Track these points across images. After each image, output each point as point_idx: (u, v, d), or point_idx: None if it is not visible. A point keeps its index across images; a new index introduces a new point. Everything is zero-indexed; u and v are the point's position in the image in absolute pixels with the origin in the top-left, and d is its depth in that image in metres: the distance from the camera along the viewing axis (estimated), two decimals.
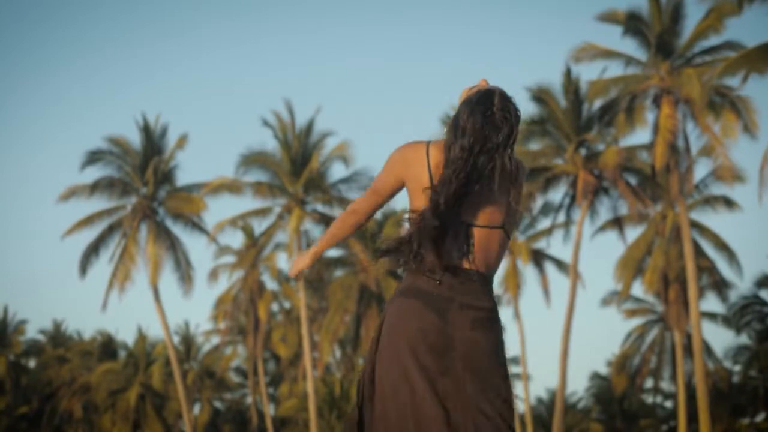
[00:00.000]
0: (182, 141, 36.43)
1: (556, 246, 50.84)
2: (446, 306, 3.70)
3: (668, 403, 52.29)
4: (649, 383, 48.25)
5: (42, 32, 70.47)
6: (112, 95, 73.62)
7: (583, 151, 32.58)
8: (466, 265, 3.73)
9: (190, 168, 77.04)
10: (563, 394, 33.36)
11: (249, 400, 54.27)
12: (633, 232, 38.03)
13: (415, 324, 3.69)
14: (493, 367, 3.70)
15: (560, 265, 40.75)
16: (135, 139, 37.20)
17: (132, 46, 74.38)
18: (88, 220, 35.79)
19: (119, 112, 73.72)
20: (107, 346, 50.36)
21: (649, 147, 30.51)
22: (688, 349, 40.53)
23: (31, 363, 53.22)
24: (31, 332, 62.26)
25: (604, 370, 55.86)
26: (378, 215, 39.49)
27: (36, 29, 70.23)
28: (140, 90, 71.18)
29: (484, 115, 3.67)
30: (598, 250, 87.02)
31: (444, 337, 3.68)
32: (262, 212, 36.76)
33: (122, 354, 50.43)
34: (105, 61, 72.48)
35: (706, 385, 29.75)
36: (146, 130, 36.80)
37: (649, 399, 53.24)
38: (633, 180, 32.41)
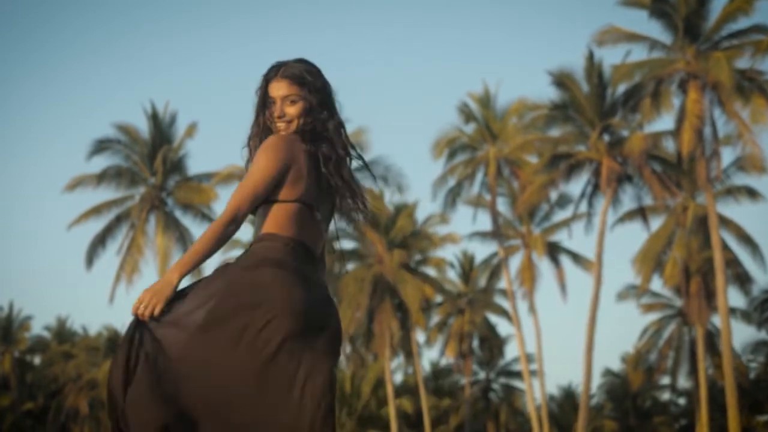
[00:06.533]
0: (191, 129, 35.72)
1: (569, 237, 50.06)
2: None
3: (681, 400, 51.60)
4: (665, 380, 47.50)
5: (46, 29, 69.92)
6: (119, 88, 73.06)
7: (606, 138, 31.79)
8: None
9: (200, 157, 76.39)
10: (588, 391, 32.56)
11: None
12: (653, 224, 37.26)
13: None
14: None
15: (576, 257, 39.95)
16: (143, 128, 36.46)
17: (139, 37, 73.83)
18: (95, 211, 35.04)
19: (126, 105, 73.22)
20: (114, 342, 49.64)
21: (675, 133, 29.69)
22: (708, 344, 39.73)
23: (37, 359, 52.74)
24: (37, 328, 61.66)
25: (616, 366, 55.12)
26: (390, 207, 38.67)
27: (41, 25, 69.67)
28: (148, 82, 70.61)
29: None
30: (614, 243, 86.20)
31: None
32: None
33: None
34: (111, 54, 71.95)
35: (734, 378, 28.88)
36: (155, 118, 36.02)
37: (662, 396, 52.55)
38: (657, 168, 31.61)
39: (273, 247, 3.57)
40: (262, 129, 3.74)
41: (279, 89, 3.68)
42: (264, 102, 3.71)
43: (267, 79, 3.70)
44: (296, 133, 3.68)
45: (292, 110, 3.67)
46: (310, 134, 3.68)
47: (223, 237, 3.54)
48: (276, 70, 3.70)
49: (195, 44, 74.62)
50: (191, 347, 3.47)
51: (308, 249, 3.63)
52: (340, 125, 3.73)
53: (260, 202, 3.60)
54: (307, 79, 3.68)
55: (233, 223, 3.55)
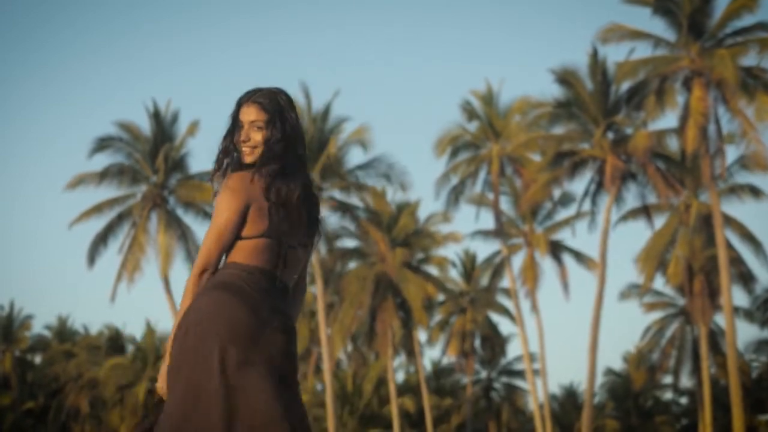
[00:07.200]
0: (193, 127, 35.55)
1: (571, 236, 49.82)
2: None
3: (683, 400, 51.47)
4: (667, 379, 47.36)
5: (46, 29, 69.81)
6: (120, 88, 72.96)
7: (610, 135, 31.63)
8: None
9: (201, 156, 76.26)
10: (592, 389, 32.39)
11: None
12: (656, 222, 37.09)
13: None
14: None
15: (579, 256, 39.81)
16: (145, 126, 36.29)
17: (139, 37, 73.75)
18: (97, 209, 34.87)
19: (127, 105, 73.15)
20: (115, 341, 49.58)
21: (679, 131, 29.54)
22: (711, 343, 39.59)
23: (38, 359, 52.62)
24: (38, 327, 61.57)
25: (618, 365, 54.94)
26: (393, 206, 38.55)
27: (41, 25, 69.57)
28: (148, 81, 70.51)
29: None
30: (617, 241, 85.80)
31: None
32: None
33: (130, 348, 49.62)
34: (111, 54, 71.86)
35: (738, 377, 28.74)
36: (156, 116, 35.84)
37: (664, 395, 52.43)
38: (661, 166, 31.46)
39: (230, 273, 3.66)
40: (231, 149, 3.79)
41: (248, 114, 3.74)
42: (235, 125, 3.77)
43: (239, 103, 3.77)
44: (260, 161, 3.72)
45: (257, 136, 3.72)
46: (271, 164, 3.72)
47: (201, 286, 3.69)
48: (248, 96, 3.76)
49: (195, 44, 74.56)
50: (171, 388, 3.62)
51: (273, 277, 3.68)
52: (301, 156, 3.76)
53: (229, 245, 3.68)
54: (276, 108, 3.73)
55: (207, 271, 3.68)
